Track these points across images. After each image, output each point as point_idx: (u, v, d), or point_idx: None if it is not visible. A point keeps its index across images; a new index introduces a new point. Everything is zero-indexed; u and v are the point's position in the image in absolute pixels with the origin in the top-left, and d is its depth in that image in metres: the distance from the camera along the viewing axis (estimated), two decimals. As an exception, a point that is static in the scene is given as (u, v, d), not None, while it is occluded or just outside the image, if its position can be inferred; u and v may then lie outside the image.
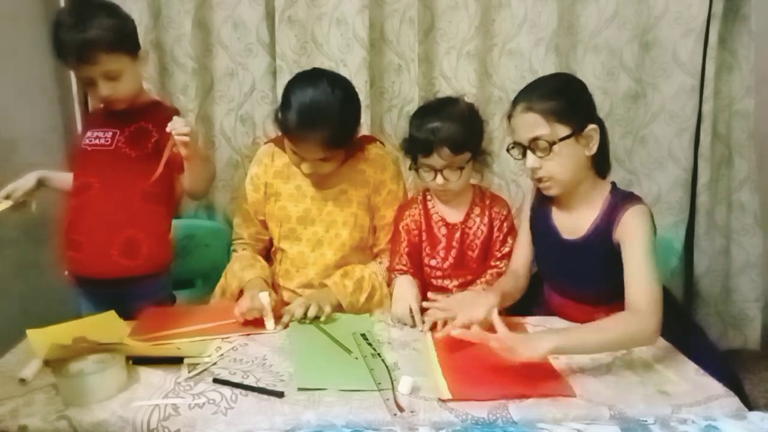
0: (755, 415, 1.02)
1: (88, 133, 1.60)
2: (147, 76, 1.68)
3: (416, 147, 1.57)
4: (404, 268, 1.65)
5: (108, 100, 1.52)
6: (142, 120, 1.57)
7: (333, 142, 1.49)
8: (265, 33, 2.03)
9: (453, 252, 1.67)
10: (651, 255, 1.31)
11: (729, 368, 1.46)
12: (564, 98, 1.38)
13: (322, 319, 1.46)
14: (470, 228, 1.67)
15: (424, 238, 1.69)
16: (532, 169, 1.40)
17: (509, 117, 1.44)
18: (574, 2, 2.01)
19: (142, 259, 1.57)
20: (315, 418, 1.06)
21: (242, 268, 1.63)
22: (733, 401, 1.12)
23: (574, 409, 1.09)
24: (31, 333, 1.33)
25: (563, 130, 1.36)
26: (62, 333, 1.33)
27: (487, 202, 1.69)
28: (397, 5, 2.01)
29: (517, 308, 1.56)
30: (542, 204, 1.54)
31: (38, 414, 1.07)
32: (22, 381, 1.16)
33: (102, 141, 1.57)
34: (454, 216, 1.68)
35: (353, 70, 1.99)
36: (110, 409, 1.08)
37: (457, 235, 1.66)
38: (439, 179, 1.56)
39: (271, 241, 1.75)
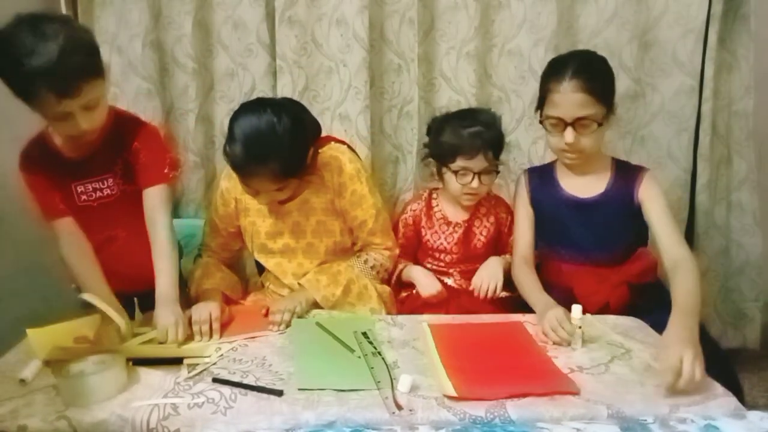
0: (754, 415, 1.02)
1: (79, 188, 1.47)
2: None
3: (455, 151, 1.63)
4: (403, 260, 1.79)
5: (82, 135, 1.34)
6: (122, 151, 1.47)
7: (284, 174, 1.44)
8: (266, 33, 2.03)
9: (455, 249, 1.75)
10: (670, 214, 1.51)
11: (729, 365, 1.48)
12: (606, 79, 1.53)
13: (299, 311, 1.50)
14: (476, 227, 1.76)
15: (424, 233, 1.79)
16: (569, 144, 1.49)
17: (548, 91, 1.52)
18: (573, 2, 2.01)
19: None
20: (314, 418, 1.07)
21: (202, 275, 1.63)
22: (731, 401, 1.12)
23: (572, 408, 1.09)
24: (31, 332, 1.33)
25: (604, 110, 1.49)
26: (62, 332, 1.33)
27: (493, 203, 1.80)
28: (396, 5, 2.01)
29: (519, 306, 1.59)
30: (544, 179, 1.66)
31: (38, 414, 1.07)
32: (22, 381, 1.17)
33: (107, 192, 1.48)
34: (459, 215, 1.75)
35: (353, 70, 1.99)
36: (110, 409, 1.08)
37: (460, 232, 1.74)
38: (475, 183, 1.64)
39: (238, 250, 1.79)
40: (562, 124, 1.50)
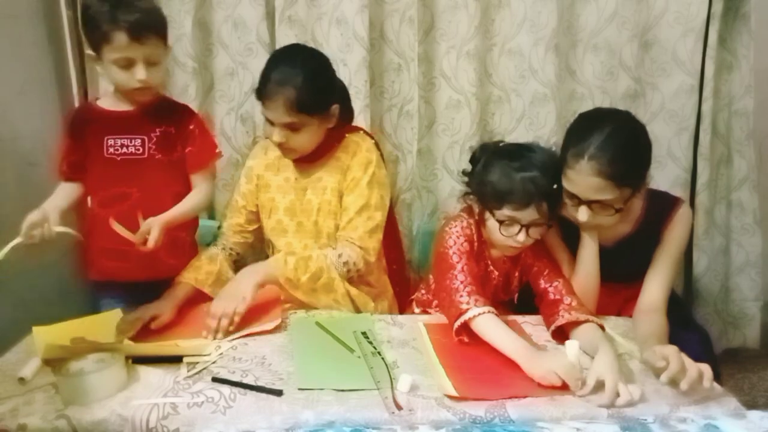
0: (755, 414, 1.02)
1: (110, 141, 1.53)
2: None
3: (503, 198, 1.36)
4: (478, 298, 1.34)
5: (139, 87, 1.46)
6: (164, 124, 1.56)
7: (299, 105, 1.48)
8: (266, 32, 2.03)
9: (486, 296, 1.48)
10: (680, 260, 1.44)
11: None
12: (633, 159, 1.35)
13: (241, 311, 1.40)
14: (505, 276, 1.55)
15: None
16: (583, 222, 1.38)
17: (565, 162, 1.36)
18: (573, 2, 2.02)
19: (187, 257, 1.63)
20: (313, 417, 1.06)
21: (190, 266, 1.61)
22: (731, 401, 1.12)
23: (572, 407, 1.09)
24: (36, 330, 1.33)
25: (627, 192, 1.35)
26: (68, 331, 1.33)
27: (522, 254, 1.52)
28: (396, 5, 2.01)
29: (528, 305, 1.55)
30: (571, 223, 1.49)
31: (38, 413, 1.07)
32: (22, 380, 1.16)
33: (133, 149, 1.54)
34: (499, 260, 1.53)
35: (353, 69, 1.99)
36: (109, 408, 1.08)
37: (497, 282, 1.54)
38: (522, 236, 1.37)
39: (252, 232, 1.76)
40: (576, 198, 1.36)
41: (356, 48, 1.97)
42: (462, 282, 1.38)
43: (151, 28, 1.44)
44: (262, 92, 1.52)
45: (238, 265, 1.72)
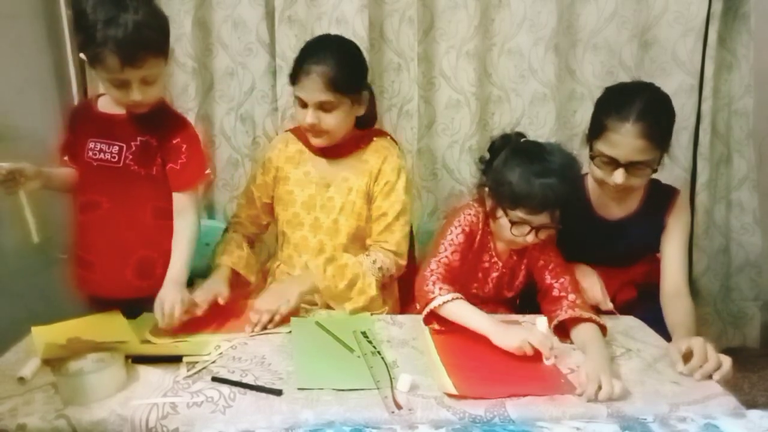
0: (754, 414, 1.02)
1: (91, 144, 1.47)
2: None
3: (518, 200, 1.37)
4: (443, 286, 1.40)
5: (134, 105, 1.40)
6: (148, 134, 1.46)
7: (335, 82, 1.51)
8: (265, 32, 2.03)
9: (487, 288, 1.59)
10: (687, 245, 1.57)
11: None
12: (667, 123, 1.48)
13: (283, 311, 1.45)
14: (510, 270, 1.58)
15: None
16: (617, 184, 1.45)
17: (606, 128, 1.44)
18: (573, 1, 2.02)
19: (157, 279, 1.46)
20: (313, 417, 1.06)
21: (222, 251, 1.65)
22: (730, 400, 1.12)
23: (571, 407, 1.09)
24: (35, 330, 1.33)
25: (659, 153, 1.46)
26: (67, 330, 1.33)
27: (539, 246, 1.53)
28: (396, 5, 2.01)
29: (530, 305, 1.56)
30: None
31: (37, 413, 1.07)
32: (21, 380, 1.16)
33: (108, 156, 1.46)
34: (503, 253, 1.56)
35: (353, 69, 1.98)
36: (109, 408, 1.08)
37: (495, 275, 1.57)
38: (531, 237, 1.40)
39: (266, 226, 1.80)
40: (614, 163, 1.44)
41: (356, 48, 1.97)
42: (432, 271, 1.44)
43: (148, 47, 1.32)
44: (296, 73, 1.55)
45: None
